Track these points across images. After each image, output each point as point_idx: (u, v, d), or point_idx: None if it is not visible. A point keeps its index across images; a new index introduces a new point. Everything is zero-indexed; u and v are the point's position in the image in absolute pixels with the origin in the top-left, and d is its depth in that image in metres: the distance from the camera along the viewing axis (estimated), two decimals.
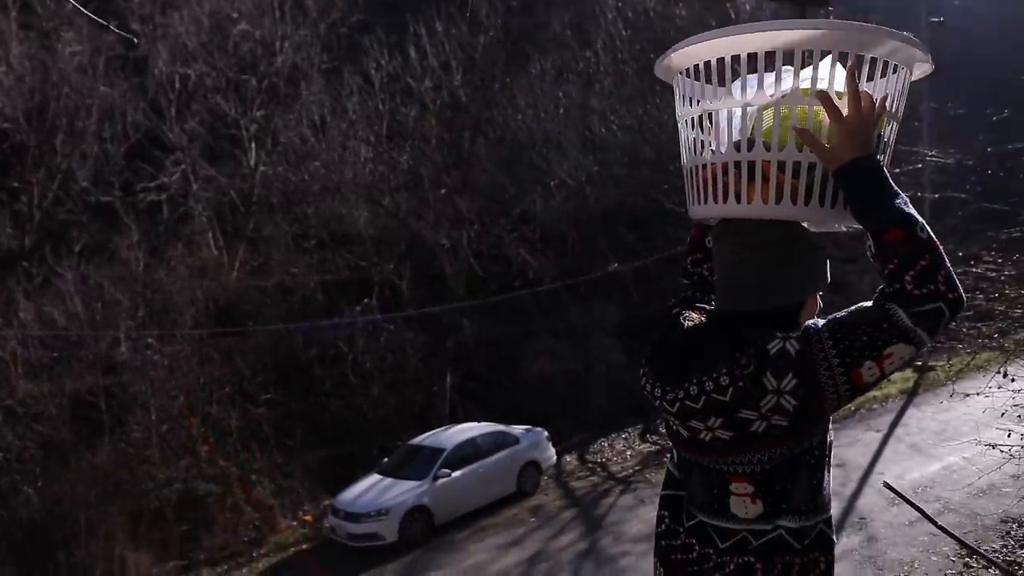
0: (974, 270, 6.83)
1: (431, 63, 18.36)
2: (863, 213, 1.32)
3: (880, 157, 1.37)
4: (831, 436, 1.48)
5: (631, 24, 18.57)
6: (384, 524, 10.43)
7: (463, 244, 17.21)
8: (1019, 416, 5.63)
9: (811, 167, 1.36)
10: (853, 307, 1.32)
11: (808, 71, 1.38)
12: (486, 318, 17.28)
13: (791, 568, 1.39)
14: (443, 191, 17.89)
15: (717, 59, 1.39)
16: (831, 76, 1.35)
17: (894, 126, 1.46)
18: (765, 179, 1.38)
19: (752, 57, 1.38)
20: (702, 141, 1.52)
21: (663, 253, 14.46)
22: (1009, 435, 5.76)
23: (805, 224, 1.47)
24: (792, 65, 1.36)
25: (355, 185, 17.74)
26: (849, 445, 11.84)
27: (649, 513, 10.28)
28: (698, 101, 1.50)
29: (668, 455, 1.62)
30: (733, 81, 1.42)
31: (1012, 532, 7.82)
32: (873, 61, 1.36)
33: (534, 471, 12.21)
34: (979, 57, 14.12)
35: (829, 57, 1.35)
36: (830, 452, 1.47)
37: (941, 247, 1.25)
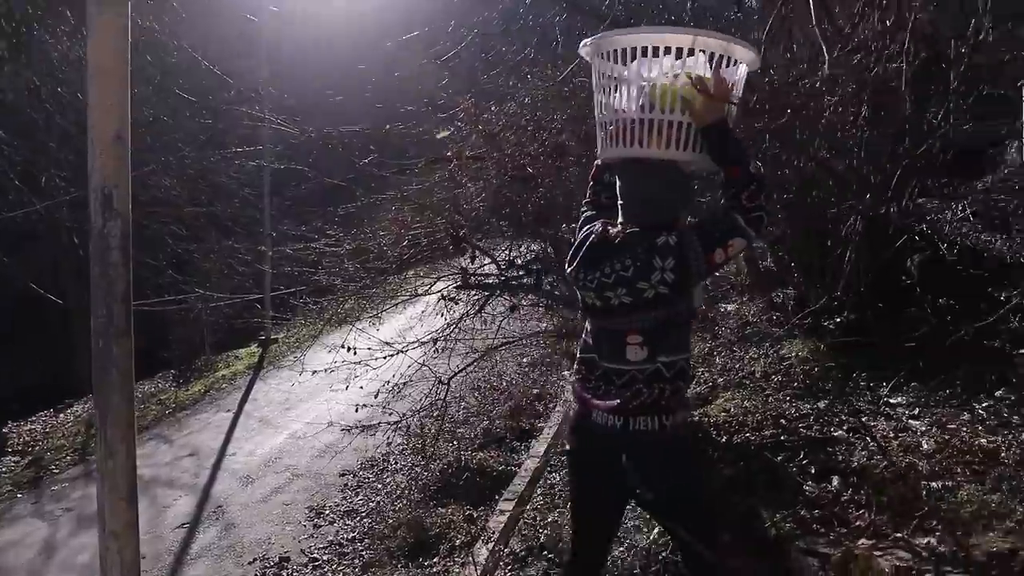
0: (315, 246, 7.08)
1: None
2: (718, 156, 2.13)
3: (729, 121, 2.14)
4: (693, 303, 2.21)
5: None
6: None
7: None
8: (361, 386, 6.17)
9: (688, 125, 2.13)
10: (709, 215, 2.28)
11: (689, 60, 2.12)
12: None
13: (664, 391, 2.13)
14: None
15: (631, 48, 2.17)
16: (703, 65, 2.12)
17: (736, 103, 2.20)
18: (659, 132, 2.14)
19: (655, 49, 2.12)
20: (614, 104, 2.23)
21: None
22: (358, 409, 6.32)
23: (683, 165, 2.21)
24: (680, 57, 2.14)
25: None
26: (201, 430, 11.38)
27: None
28: (613, 76, 2.24)
29: (585, 332, 2.36)
30: (633, 62, 2.21)
31: (348, 483, 8.68)
32: (728, 59, 2.12)
33: None
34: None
35: (702, 53, 2.12)
36: (693, 314, 2.21)
37: (762, 178, 2.09)
